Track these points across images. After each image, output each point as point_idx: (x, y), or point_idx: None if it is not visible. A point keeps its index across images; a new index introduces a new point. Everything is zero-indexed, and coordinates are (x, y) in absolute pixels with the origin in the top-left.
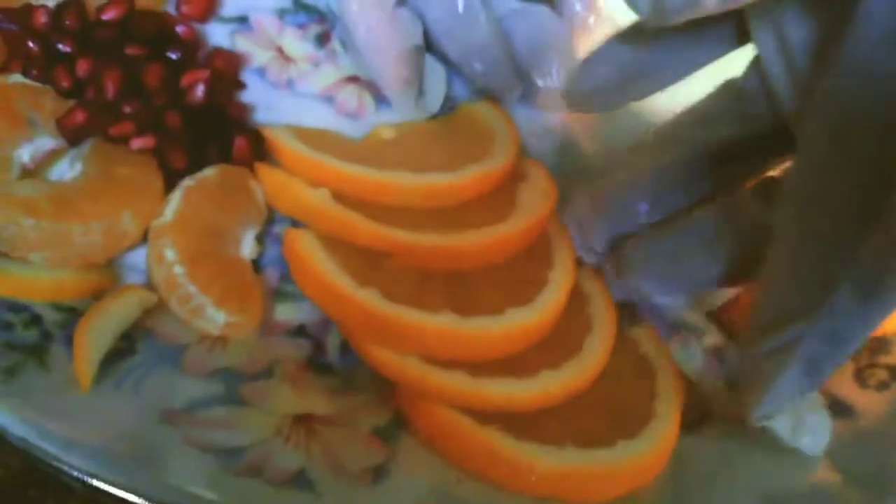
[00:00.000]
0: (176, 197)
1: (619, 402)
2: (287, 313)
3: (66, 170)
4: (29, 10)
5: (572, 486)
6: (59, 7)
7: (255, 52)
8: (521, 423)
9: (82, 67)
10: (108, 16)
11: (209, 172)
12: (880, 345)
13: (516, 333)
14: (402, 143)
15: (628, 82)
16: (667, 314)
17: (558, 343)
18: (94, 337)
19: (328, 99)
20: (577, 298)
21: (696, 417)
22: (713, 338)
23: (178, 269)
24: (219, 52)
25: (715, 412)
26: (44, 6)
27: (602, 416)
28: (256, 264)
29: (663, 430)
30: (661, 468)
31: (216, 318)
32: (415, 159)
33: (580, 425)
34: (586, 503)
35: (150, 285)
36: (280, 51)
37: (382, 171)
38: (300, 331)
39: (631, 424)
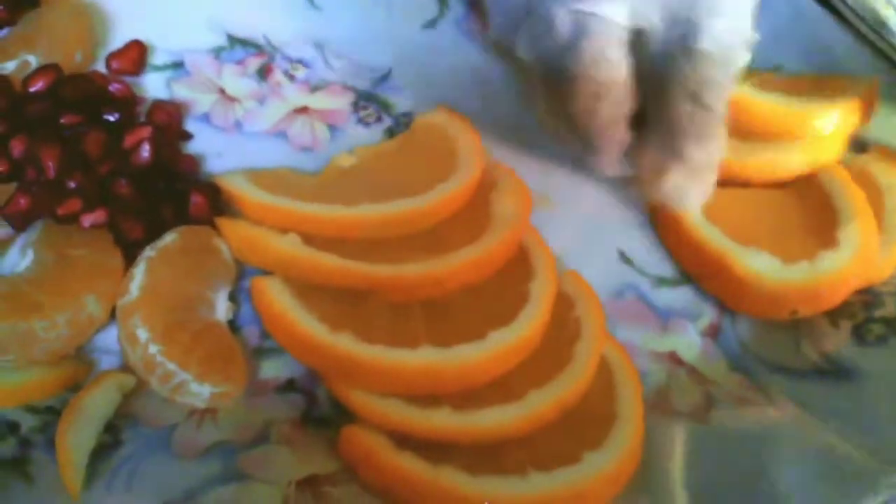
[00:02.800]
0: (139, 271)
1: (579, 410)
2: (273, 370)
3: (18, 258)
4: None
5: None
6: None
7: (197, 98)
8: (476, 455)
9: (17, 148)
10: (36, 87)
11: (169, 238)
12: (873, 299)
13: (500, 357)
14: (364, 171)
15: None
16: (657, 302)
17: (546, 356)
18: (77, 437)
19: (280, 134)
20: (560, 304)
21: (703, 405)
22: (707, 318)
23: (153, 349)
24: (158, 104)
25: (720, 397)
26: None
27: (561, 428)
28: (233, 324)
29: (629, 433)
30: (631, 474)
31: (201, 392)
32: (380, 186)
33: (540, 444)
34: None
35: (126, 367)
36: (222, 92)
37: (350, 207)
38: (289, 385)
39: (593, 433)
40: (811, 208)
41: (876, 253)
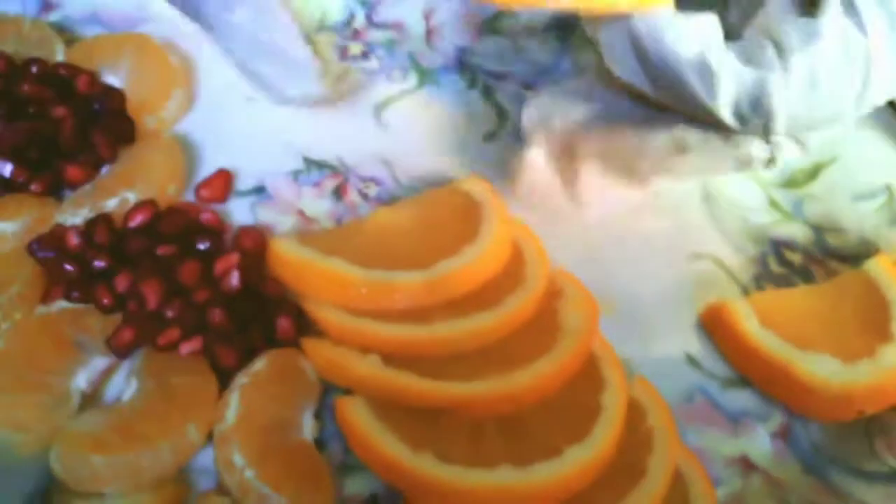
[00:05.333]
0: (234, 398)
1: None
2: (357, 486)
3: (123, 385)
4: (61, 232)
5: None
6: (88, 224)
7: (279, 220)
8: None
9: (122, 283)
10: (135, 222)
11: (260, 364)
12: None
13: (577, 473)
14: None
15: None
16: (726, 404)
17: (620, 469)
18: None
19: None
20: (632, 414)
21: None
22: (778, 419)
23: (248, 473)
24: (244, 230)
25: (795, 502)
26: (74, 227)
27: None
28: (319, 441)
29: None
30: None
31: None
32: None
33: None
34: None
35: (221, 488)
36: (301, 213)
37: (425, 325)
38: (373, 501)
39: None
40: (862, 303)
41: None
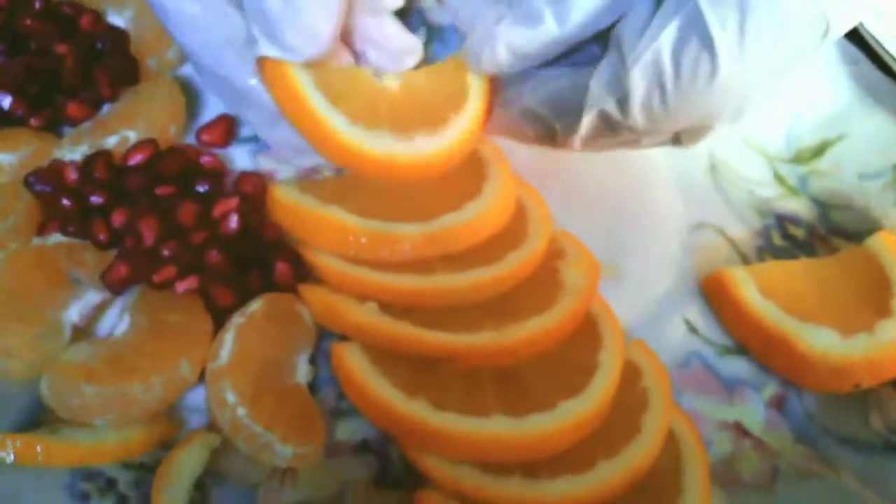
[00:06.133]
0: (229, 337)
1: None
2: (348, 431)
3: (116, 321)
4: (59, 167)
5: None
6: (87, 160)
7: (279, 168)
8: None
9: (118, 219)
10: (134, 160)
11: (256, 306)
12: None
13: (571, 428)
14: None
15: None
16: (723, 371)
17: (615, 426)
18: (171, 494)
19: None
20: (628, 374)
21: (768, 476)
22: (772, 389)
23: (240, 411)
24: (245, 176)
25: (785, 469)
26: (72, 162)
27: (629, 499)
28: (312, 386)
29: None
30: None
31: (284, 453)
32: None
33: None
34: None
35: (212, 425)
36: None
37: (425, 276)
38: (364, 447)
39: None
40: (863, 278)
41: None
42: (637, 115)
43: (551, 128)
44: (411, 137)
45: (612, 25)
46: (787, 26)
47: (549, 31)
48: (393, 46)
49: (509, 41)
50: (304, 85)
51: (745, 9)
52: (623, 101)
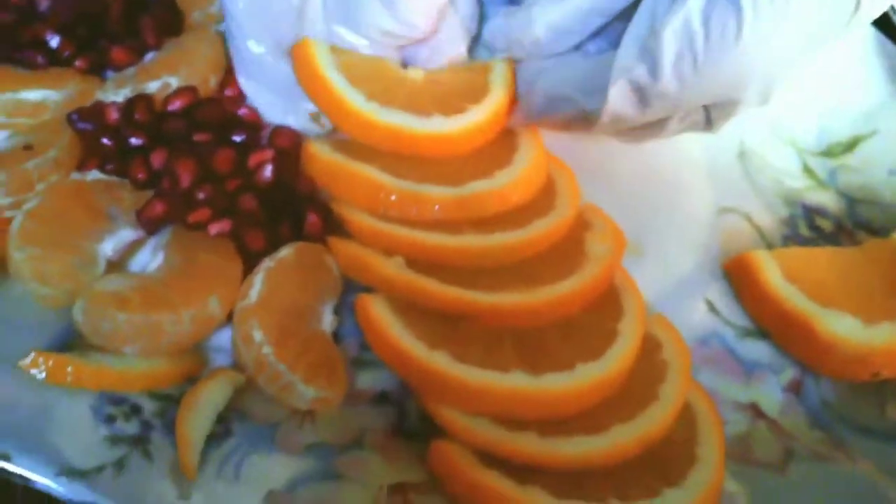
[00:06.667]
0: (258, 279)
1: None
2: (368, 381)
3: (149, 259)
4: (101, 107)
5: None
6: (128, 102)
7: (314, 127)
8: (560, 480)
9: (157, 159)
10: (174, 106)
11: (286, 252)
12: None
13: (587, 389)
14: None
15: None
16: (742, 353)
17: (631, 393)
18: (194, 424)
19: None
20: (648, 345)
21: (782, 457)
22: (790, 373)
23: (266, 350)
24: (280, 130)
25: (799, 452)
26: (114, 103)
27: (644, 464)
28: (336, 336)
29: (708, 476)
30: None
31: (305, 394)
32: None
33: (622, 477)
34: None
35: (237, 365)
36: None
37: (453, 236)
38: (383, 397)
39: (674, 472)
40: (888, 269)
41: None
42: (668, 78)
43: (581, 108)
44: (426, 116)
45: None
46: None
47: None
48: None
49: (547, 19)
50: (324, 64)
51: None
52: (653, 66)
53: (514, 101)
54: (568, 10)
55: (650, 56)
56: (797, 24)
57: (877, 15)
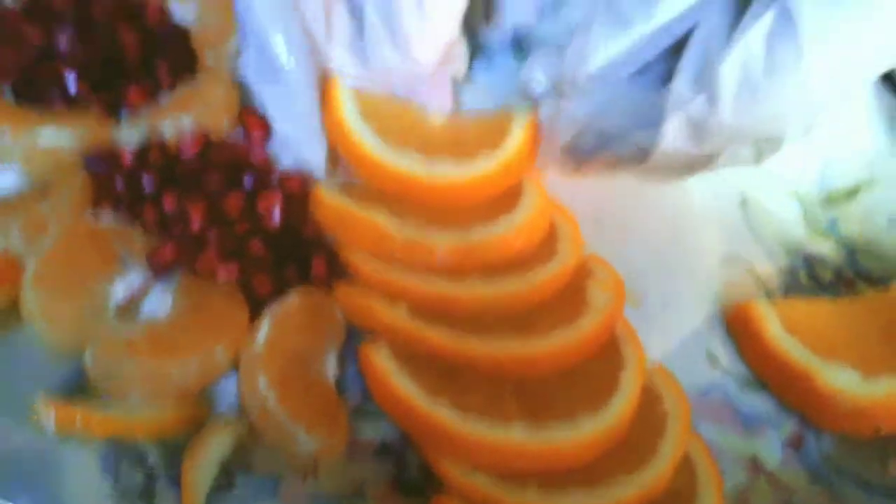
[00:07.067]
0: (265, 325)
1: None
2: (370, 431)
3: (157, 303)
4: (115, 151)
5: None
6: (142, 146)
7: None
8: None
9: (168, 202)
10: (187, 149)
11: (292, 298)
12: None
13: (589, 440)
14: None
15: None
16: (742, 405)
17: (631, 446)
18: (199, 475)
19: None
20: (648, 397)
21: None
22: (791, 427)
23: (270, 399)
24: (290, 173)
25: None
26: (128, 146)
27: None
28: (339, 383)
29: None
30: None
31: (307, 444)
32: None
33: None
34: None
35: (241, 411)
36: None
37: (457, 283)
38: (383, 448)
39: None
40: (889, 322)
41: None
42: (727, 109)
43: (635, 145)
44: (434, 162)
45: (687, 37)
46: (871, 27)
47: (638, 31)
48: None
49: (609, 52)
50: (342, 98)
51: (835, 3)
52: (712, 97)
53: (533, 148)
54: (632, 38)
55: (708, 87)
56: (851, 53)
57: None
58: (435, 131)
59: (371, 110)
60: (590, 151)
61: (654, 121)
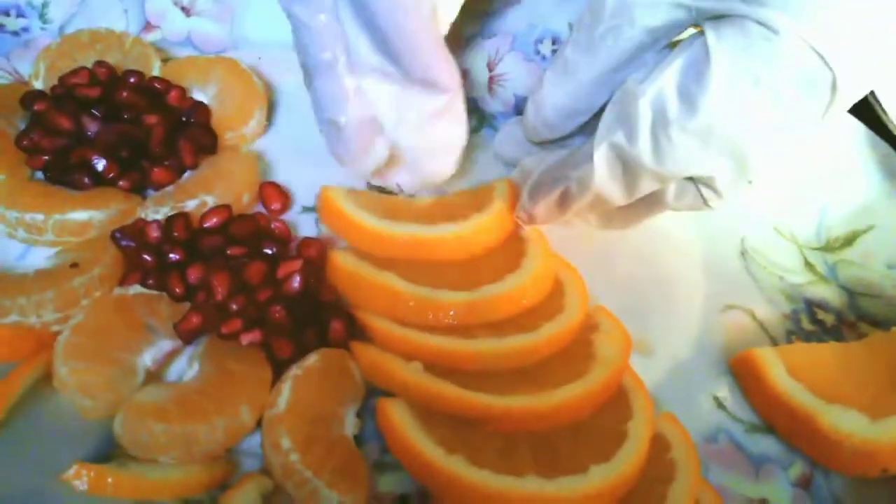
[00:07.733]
0: (286, 387)
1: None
2: (389, 485)
3: (185, 368)
4: (142, 225)
5: None
6: (167, 220)
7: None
8: None
9: (193, 275)
10: (211, 223)
11: (312, 359)
12: None
13: (600, 491)
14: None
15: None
16: (750, 448)
17: (642, 495)
18: None
19: None
20: (657, 445)
21: None
22: (800, 468)
23: (293, 457)
24: (308, 241)
25: None
26: (154, 221)
27: None
28: (358, 439)
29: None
30: None
31: (329, 499)
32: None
33: None
34: None
35: (265, 470)
36: None
37: (468, 340)
38: (402, 501)
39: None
40: (892, 363)
41: None
42: (643, 143)
43: (571, 181)
44: (434, 225)
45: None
46: (784, 73)
47: (584, 75)
48: (439, 140)
49: (553, 100)
50: (342, 200)
51: (746, 47)
52: (631, 131)
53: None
54: (571, 87)
55: (627, 121)
56: (768, 101)
57: (856, 99)
58: (424, 207)
59: (366, 201)
60: (532, 194)
61: (588, 158)
